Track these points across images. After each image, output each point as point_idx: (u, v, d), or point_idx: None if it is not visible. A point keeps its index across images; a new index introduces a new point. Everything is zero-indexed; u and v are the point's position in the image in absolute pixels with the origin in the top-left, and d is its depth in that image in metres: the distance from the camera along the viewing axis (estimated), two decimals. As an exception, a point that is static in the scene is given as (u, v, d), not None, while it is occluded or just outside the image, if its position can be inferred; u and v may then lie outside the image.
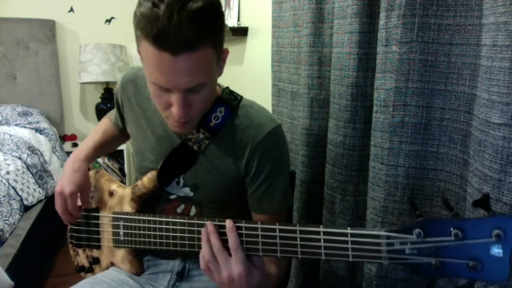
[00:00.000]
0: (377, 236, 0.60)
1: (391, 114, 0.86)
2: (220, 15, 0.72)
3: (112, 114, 1.13)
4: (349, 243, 0.62)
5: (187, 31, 0.65)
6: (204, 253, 0.70)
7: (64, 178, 0.93)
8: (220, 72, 0.81)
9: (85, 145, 1.01)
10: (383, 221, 0.89)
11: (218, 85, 0.92)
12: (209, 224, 0.71)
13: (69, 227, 1.05)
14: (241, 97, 0.92)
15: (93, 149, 1.01)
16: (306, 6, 1.16)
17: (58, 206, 0.92)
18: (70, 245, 1.08)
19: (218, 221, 0.71)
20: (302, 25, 1.21)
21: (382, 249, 0.59)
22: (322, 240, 0.64)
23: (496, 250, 0.53)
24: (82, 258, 1.05)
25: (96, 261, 1.00)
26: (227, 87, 0.92)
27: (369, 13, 0.96)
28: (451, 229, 0.55)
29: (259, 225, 0.69)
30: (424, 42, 0.81)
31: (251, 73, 2.12)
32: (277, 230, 0.67)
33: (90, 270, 1.03)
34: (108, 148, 1.13)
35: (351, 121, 1.03)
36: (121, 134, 1.12)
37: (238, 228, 0.70)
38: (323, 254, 0.64)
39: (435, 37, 0.81)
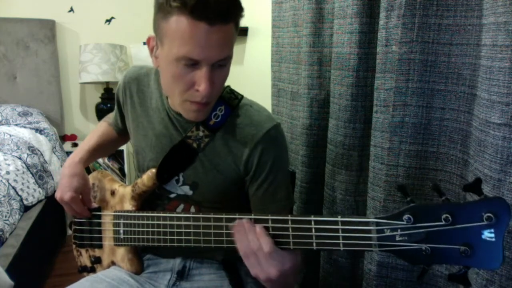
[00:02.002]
0: (367, 223, 0.59)
1: (391, 114, 0.86)
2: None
3: (110, 117, 1.14)
4: (340, 231, 0.61)
5: (222, 2, 0.70)
6: (244, 247, 0.68)
7: (62, 185, 0.94)
8: None
9: (81, 148, 1.01)
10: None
11: None
12: (246, 222, 0.69)
13: (74, 227, 1.06)
14: (242, 96, 0.92)
15: (88, 152, 1.01)
16: (306, 6, 1.16)
17: (66, 210, 0.96)
18: (74, 246, 1.08)
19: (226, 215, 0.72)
20: (302, 25, 1.21)
21: (372, 236, 0.58)
22: (313, 230, 0.63)
23: (488, 234, 0.51)
24: (85, 258, 1.06)
25: (97, 260, 1.01)
26: (228, 86, 0.92)
27: (369, 13, 0.96)
28: (442, 214, 0.53)
29: (252, 216, 0.69)
30: (424, 42, 0.81)
31: (251, 73, 2.12)
32: (270, 221, 0.67)
33: (92, 270, 1.03)
34: (105, 151, 1.14)
35: (351, 121, 1.03)
36: (119, 137, 1.12)
37: (232, 220, 0.71)
38: (314, 244, 0.63)
39: (435, 37, 0.81)
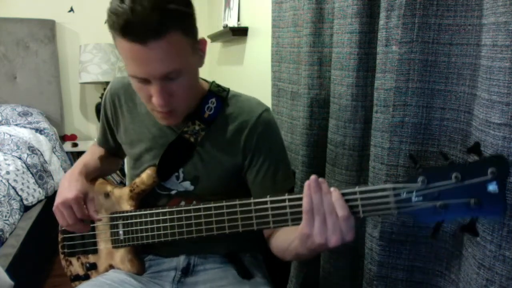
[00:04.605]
0: (384, 189, 0.64)
1: (391, 114, 0.86)
2: (186, 2, 0.74)
3: (96, 140, 1.11)
4: (359, 200, 0.66)
5: (150, 18, 0.67)
6: (313, 205, 0.66)
7: (63, 189, 0.86)
8: (200, 62, 0.83)
9: (76, 165, 0.97)
10: (383, 221, 0.89)
11: (205, 80, 0.95)
12: (323, 182, 0.67)
13: (61, 236, 1.02)
14: (228, 88, 0.95)
15: (84, 166, 0.95)
16: (306, 6, 1.16)
17: (67, 217, 0.83)
18: (62, 256, 1.05)
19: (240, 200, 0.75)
20: (302, 25, 1.21)
21: (390, 200, 0.64)
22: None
23: (492, 187, 0.59)
24: (76, 266, 1.03)
25: (92, 266, 0.99)
26: (213, 81, 0.95)
27: (369, 13, 0.96)
28: (451, 173, 0.60)
29: (268, 199, 0.72)
30: (424, 42, 0.81)
31: (251, 73, 2.11)
32: (287, 200, 0.71)
33: (86, 278, 1.01)
34: (101, 170, 1.05)
35: (351, 121, 1.03)
36: (112, 156, 1.10)
37: (247, 204, 0.73)
38: None
39: (435, 37, 0.80)
